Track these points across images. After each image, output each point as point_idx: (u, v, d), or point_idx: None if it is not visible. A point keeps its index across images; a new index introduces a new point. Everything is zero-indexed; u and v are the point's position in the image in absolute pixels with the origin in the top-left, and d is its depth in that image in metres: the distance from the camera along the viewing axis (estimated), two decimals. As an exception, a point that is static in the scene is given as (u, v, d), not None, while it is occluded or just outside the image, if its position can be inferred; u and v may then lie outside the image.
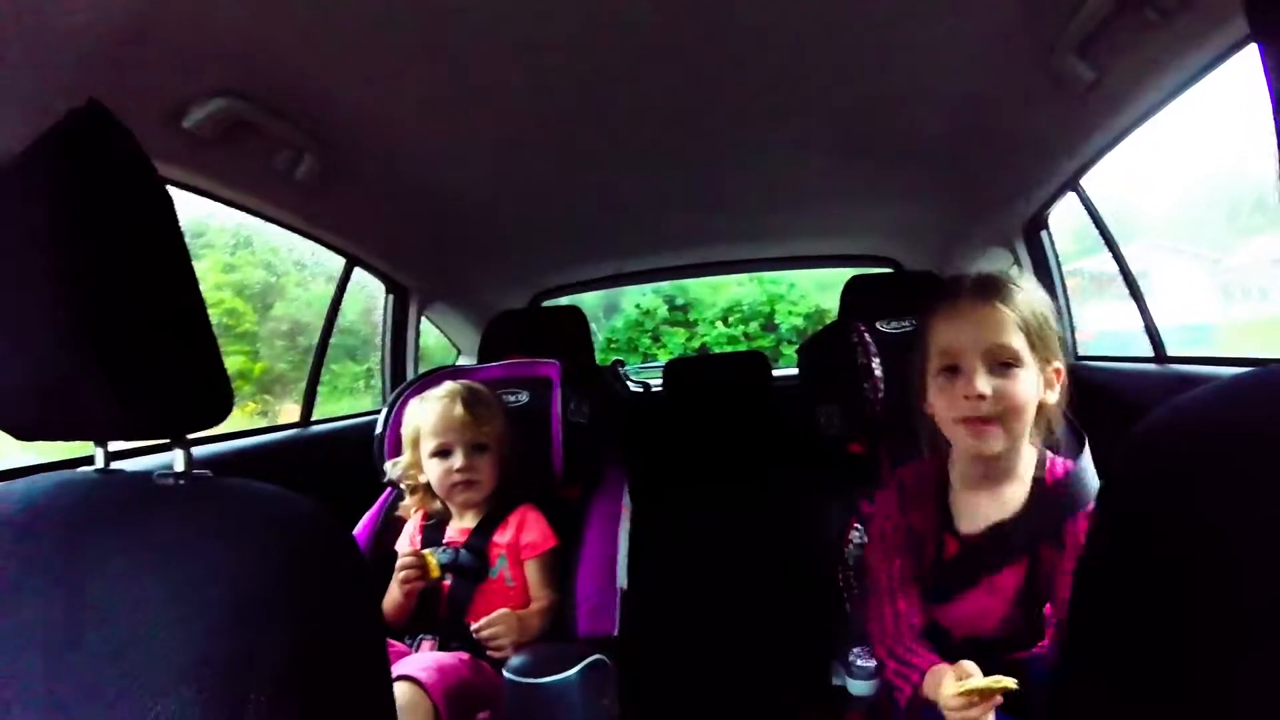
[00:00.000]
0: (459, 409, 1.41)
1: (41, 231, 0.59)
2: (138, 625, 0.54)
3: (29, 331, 0.62)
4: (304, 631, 0.56)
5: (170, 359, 0.64)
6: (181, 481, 0.65)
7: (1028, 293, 1.10)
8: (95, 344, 0.59)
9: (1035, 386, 1.07)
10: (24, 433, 0.71)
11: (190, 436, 0.68)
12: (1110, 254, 1.76)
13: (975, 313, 1.08)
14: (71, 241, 0.58)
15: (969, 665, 0.98)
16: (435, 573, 1.35)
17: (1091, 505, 1.07)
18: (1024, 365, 1.06)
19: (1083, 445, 1.16)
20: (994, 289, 1.10)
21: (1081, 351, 2.03)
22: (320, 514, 0.62)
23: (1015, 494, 1.13)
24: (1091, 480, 1.11)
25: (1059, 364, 1.11)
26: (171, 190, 0.65)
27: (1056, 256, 2.04)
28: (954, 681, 0.95)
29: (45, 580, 0.59)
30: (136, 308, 0.61)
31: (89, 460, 0.72)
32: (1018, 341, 1.06)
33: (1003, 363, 1.06)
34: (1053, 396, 1.11)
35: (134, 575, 0.56)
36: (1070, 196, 1.81)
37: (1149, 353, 1.70)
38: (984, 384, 1.05)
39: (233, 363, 3.87)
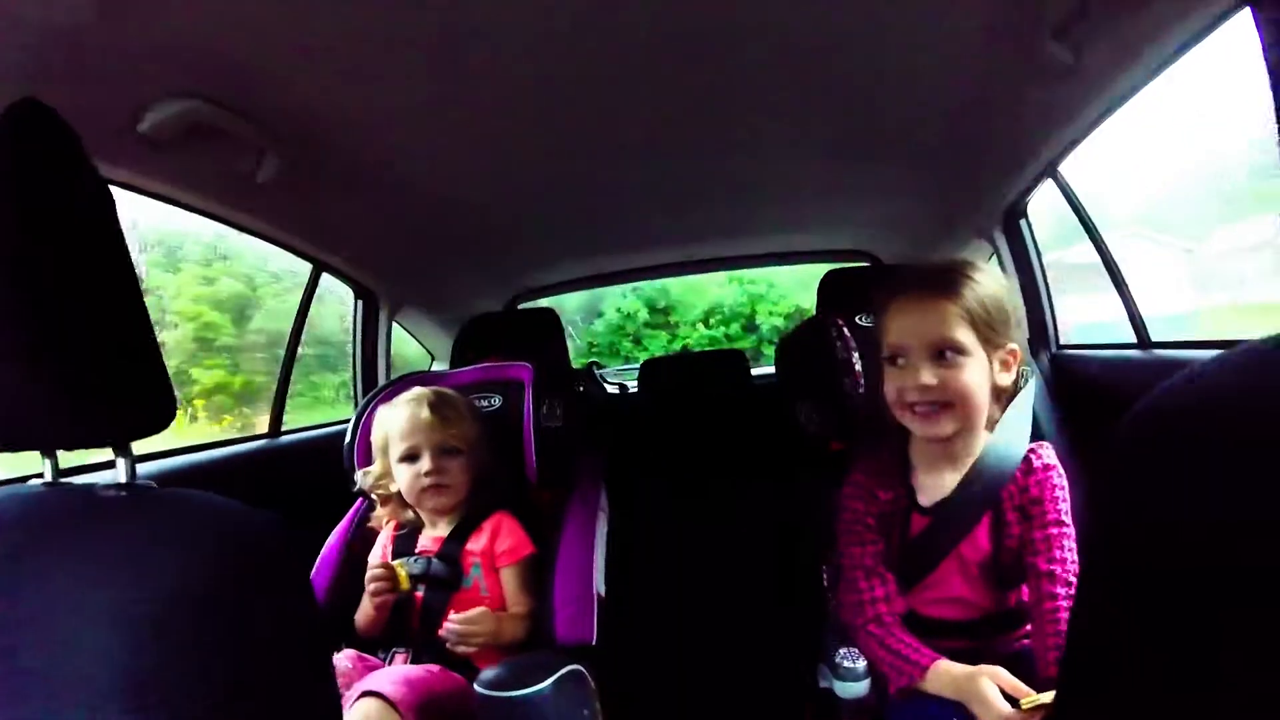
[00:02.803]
0: (425, 412, 1.38)
1: None
2: (69, 639, 0.51)
3: None
4: (244, 645, 0.54)
5: (113, 363, 0.62)
6: (123, 493, 0.63)
7: (979, 283, 1.12)
8: (38, 347, 0.57)
9: (983, 374, 1.10)
10: None
11: (152, 451, 0.66)
12: (1091, 241, 1.73)
13: (920, 306, 1.11)
14: (8, 240, 0.56)
15: (1002, 673, 1.01)
16: (405, 584, 1.32)
17: (1016, 468, 1.13)
18: (969, 355, 1.09)
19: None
20: (940, 283, 1.12)
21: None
22: (264, 523, 0.60)
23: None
24: (1014, 443, 1.16)
25: (1013, 346, 1.14)
26: (136, 197, 0.63)
27: (1036, 245, 2.02)
28: (992, 687, 0.99)
29: None
30: (78, 310, 0.59)
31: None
32: (962, 334, 1.09)
33: (948, 351, 1.09)
34: (1006, 379, 1.14)
35: (71, 588, 0.54)
36: (1048, 184, 1.79)
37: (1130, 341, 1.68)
38: (928, 375, 1.09)
39: (212, 376, 3.84)
